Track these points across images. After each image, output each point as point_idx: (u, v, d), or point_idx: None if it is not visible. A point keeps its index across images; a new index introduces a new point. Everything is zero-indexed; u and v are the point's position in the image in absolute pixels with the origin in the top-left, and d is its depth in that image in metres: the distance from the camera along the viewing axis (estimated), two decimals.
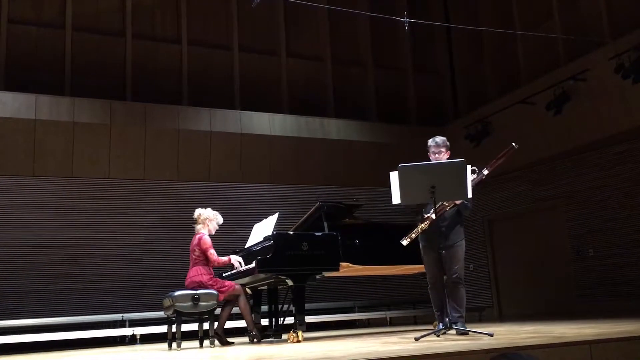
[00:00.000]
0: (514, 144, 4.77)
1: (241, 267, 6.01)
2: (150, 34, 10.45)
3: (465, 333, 4.58)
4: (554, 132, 9.15)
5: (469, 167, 4.60)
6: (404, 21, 6.92)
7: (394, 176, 4.66)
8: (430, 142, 4.98)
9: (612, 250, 8.97)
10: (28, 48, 9.53)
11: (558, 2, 9.82)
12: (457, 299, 4.81)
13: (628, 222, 8.79)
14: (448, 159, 4.90)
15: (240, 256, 6.36)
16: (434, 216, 4.65)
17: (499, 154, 4.79)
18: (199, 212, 6.24)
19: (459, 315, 4.77)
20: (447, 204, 4.74)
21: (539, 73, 9.77)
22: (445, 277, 4.94)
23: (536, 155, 9.67)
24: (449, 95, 12.42)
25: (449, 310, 4.78)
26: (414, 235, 4.76)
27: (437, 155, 4.91)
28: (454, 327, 4.61)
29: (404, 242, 4.78)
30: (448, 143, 5.00)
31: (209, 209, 6.28)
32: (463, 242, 4.93)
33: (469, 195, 4.59)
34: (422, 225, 4.72)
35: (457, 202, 4.73)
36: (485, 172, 4.77)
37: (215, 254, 5.94)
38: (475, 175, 4.75)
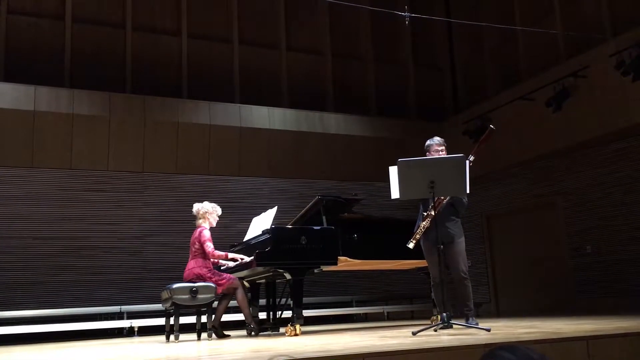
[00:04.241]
0: (491, 125, 4.95)
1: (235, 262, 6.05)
2: (150, 26, 10.42)
3: (463, 328, 4.60)
4: (554, 128, 9.14)
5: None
6: (405, 15, 6.90)
7: (393, 171, 4.67)
8: (429, 141, 5.10)
9: (609, 247, 8.99)
10: (27, 39, 9.50)
11: None
12: (464, 294, 4.92)
13: (626, 219, 8.79)
14: None
15: (238, 249, 6.37)
16: (433, 212, 4.68)
17: (480, 138, 4.99)
18: (198, 207, 6.24)
19: (468, 309, 4.89)
20: (443, 197, 4.79)
21: (539, 69, 9.77)
22: (450, 274, 5.02)
23: (535, 151, 9.67)
24: (449, 90, 12.41)
25: (458, 306, 4.92)
26: (418, 236, 4.79)
27: (440, 153, 5.01)
28: (451, 322, 4.63)
29: (410, 245, 4.81)
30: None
31: (206, 203, 6.28)
32: (463, 237, 5.02)
33: (467, 190, 4.63)
34: (424, 223, 4.73)
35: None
36: (472, 158, 4.84)
37: (212, 247, 5.95)
38: None
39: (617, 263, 8.86)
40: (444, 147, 5.04)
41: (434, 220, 4.69)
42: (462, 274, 4.90)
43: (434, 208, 4.67)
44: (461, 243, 4.97)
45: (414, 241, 4.78)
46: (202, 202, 6.32)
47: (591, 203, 9.29)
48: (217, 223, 6.35)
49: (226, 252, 6.11)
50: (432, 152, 5.01)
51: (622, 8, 8.88)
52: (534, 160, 9.94)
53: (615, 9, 8.96)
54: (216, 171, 10.12)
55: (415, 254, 5.35)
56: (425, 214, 4.77)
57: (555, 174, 9.85)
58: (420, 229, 4.76)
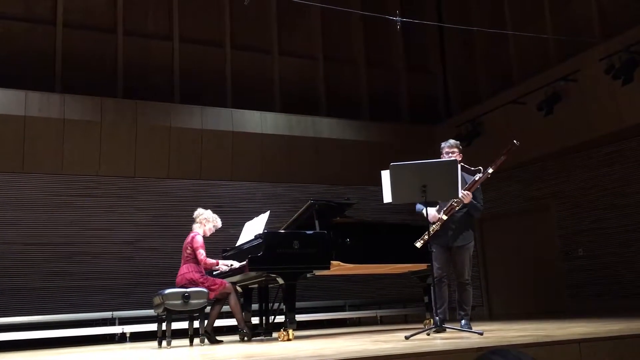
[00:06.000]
0: (515, 141, 4.89)
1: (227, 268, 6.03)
2: (142, 30, 10.38)
3: (456, 331, 4.61)
4: (545, 132, 9.18)
5: (466, 167, 4.68)
6: (397, 20, 6.92)
7: (386, 175, 4.69)
8: (443, 143, 5.12)
9: (601, 250, 9.02)
10: (18, 44, 9.45)
11: (549, 3, 9.85)
12: (464, 299, 4.98)
13: (617, 222, 8.84)
14: (461, 161, 4.98)
15: (230, 254, 6.36)
16: (444, 217, 4.73)
17: (501, 152, 4.86)
18: (200, 211, 6.27)
19: (465, 313, 4.93)
20: (455, 204, 4.79)
21: (530, 73, 9.81)
22: (455, 277, 5.06)
23: (527, 155, 9.69)
24: (441, 94, 12.44)
25: (457, 309, 4.98)
26: (426, 237, 4.81)
27: (451, 155, 5.02)
28: (444, 326, 4.65)
29: (418, 245, 4.86)
30: (460, 146, 5.15)
31: (209, 211, 6.30)
32: (472, 244, 5.06)
33: (459, 194, 4.65)
34: (434, 226, 4.79)
35: (466, 202, 4.81)
36: (490, 170, 4.84)
37: (204, 255, 5.94)
38: (480, 175, 4.83)
39: (609, 266, 8.90)
40: (456, 150, 5.05)
41: (444, 224, 4.78)
42: (466, 281, 4.98)
43: (446, 212, 4.76)
44: (470, 249, 5.01)
45: (422, 241, 4.82)
46: (197, 207, 6.36)
47: (583, 206, 9.34)
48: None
49: (217, 260, 6.11)
50: (443, 154, 5.05)
51: (611, 12, 8.95)
52: (526, 163, 9.98)
53: (605, 13, 9.03)
54: (208, 176, 10.09)
55: (408, 258, 5.36)
56: (437, 216, 4.83)
57: (548, 177, 9.89)
58: (430, 231, 4.79)
